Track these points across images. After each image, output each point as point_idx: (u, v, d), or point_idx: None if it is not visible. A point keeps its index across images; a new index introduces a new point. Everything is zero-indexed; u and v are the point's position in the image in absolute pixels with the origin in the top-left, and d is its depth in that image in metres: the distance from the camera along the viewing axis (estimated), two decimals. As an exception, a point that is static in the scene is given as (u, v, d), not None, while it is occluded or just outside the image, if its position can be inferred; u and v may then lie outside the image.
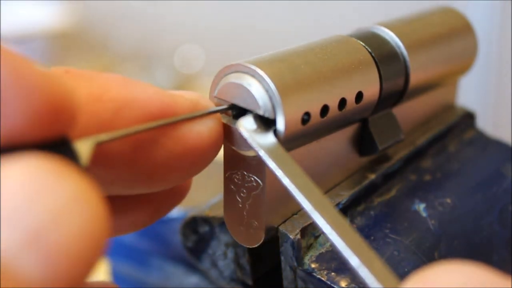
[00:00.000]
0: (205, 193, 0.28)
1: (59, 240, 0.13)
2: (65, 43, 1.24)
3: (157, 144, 0.19)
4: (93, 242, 0.13)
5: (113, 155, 0.18)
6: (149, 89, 0.19)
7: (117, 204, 0.21)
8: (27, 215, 0.13)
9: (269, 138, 0.20)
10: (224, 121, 0.21)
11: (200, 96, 0.20)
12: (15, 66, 0.14)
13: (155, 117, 0.18)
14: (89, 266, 0.13)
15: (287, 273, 0.22)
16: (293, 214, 0.22)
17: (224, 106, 0.21)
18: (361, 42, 0.24)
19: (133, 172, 0.19)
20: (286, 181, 0.19)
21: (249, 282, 0.25)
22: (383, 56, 0.24)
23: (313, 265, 0.21)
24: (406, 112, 0.27)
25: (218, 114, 0.20)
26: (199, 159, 0.20)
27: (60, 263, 0.13)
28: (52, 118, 0.14)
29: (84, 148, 0.16)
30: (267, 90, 0.20)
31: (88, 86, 0.18)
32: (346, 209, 0.23)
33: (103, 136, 0.17)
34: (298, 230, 0.22)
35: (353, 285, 0.21)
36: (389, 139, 0.25)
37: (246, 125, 0.20)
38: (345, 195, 0.24)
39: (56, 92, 0.14)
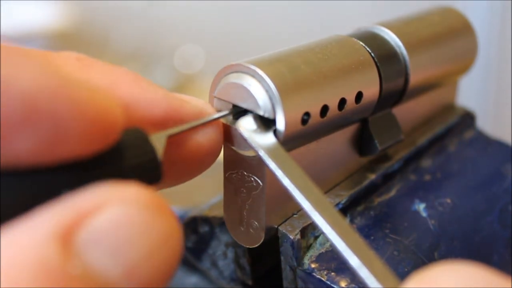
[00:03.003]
0: (205, 193, 0.28)
1: (151, 273, 0.14)
2: (65, 43, 1.24)
3: None
4: (173, 269, 0.15)
5: None
6: (158, 91, 0.19)
7: None
8: (128, 252, 0.14)
9: (269, 138, 0.20)
10: (224, 121, 0.21)
11: (205, 104, 0.20)
12: (75, 99, 0.14)
13: (160, 119, 0.18)
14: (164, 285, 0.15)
15: (287, 273, 0.22)
16: (293, 214, 0.22)
17: (226, 112, 0.21)
18: (361, 42, 0.24)
19: None
20: (286, 181, 0.19)
21: (249, 282, 0.25)
22: (383, 56, 0.24)
23: (313, 265, 0.21)
24: (406, 112, 0.27)
25: (220, 123, 0.20)
26: (196, 167, 0.20)
27: None
28: (101, 135, 0.15)
29: (158, 142, 0.17)
30: (267, 90, 0.20)
31: (98, 79, 0.18)
32: (346, 209, 0.23)
33: (173, 130, 0.18)
34: (298, 230, 0.22)
35: (353, 285, 0.21)
36: (389, 139, 0.25)
37: (246, 125, 0.20)
38: (345, 195, 0.24)
39: (104, 113, 0.15)
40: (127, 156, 0.16)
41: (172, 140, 0.19)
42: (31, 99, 0.13)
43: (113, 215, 0.14)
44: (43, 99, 0.14)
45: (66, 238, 0.13)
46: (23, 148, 0.14)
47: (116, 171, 0.16)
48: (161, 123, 0.18)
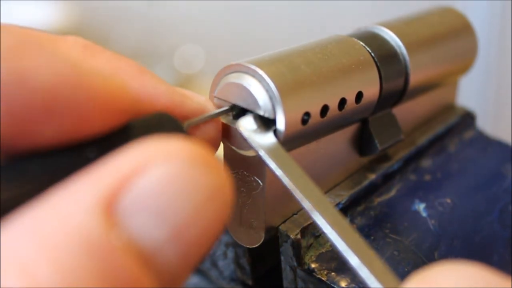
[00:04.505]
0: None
1: (198, 233, 0.13)
2: (65, 43, 1.24)
3: None
4: (222, 226, 0.14)
5: None
6: (161, 85, 0.18)
7: None
8: (174, 212, 0.13)
9: (269, 138, 0.20)
10: (224, 121, 0.21)
11: (207, 101, 0.20)
12: (89, 86, 0.14)
13: None
14: (210, 249, 0.14)
15: (287, 273, 0.22)
16: (293, 214, 0.22)
17: (225, 108, 0.21)
18: (361, 42, 0.24)
19: None
20: (286, 181, 0.19)
21: (249, 282, 0.25)
22: (383, 56, 0.24)
23: (313, 265, 0.21)
24: (406, 112, 0.27)
25: (219, 122, 0.20)
26: None
27: (195, 254, 0.13)
28: (113, 113, 0.15)
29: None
30: (267, 90, 0.20)
31: (104, 69, 0.17)
32: (346, 209, 0.23)
33: (192, 120, 0.19)
34: (298, 230, 0.22)
35: (353, 285, 0.21)
36: (389, 139, 0.25)
37: (246, 125, 0.20)
38: (345, 195, 0.24)
39: (115, 94, 0.15)
40: (156, 129, 0.16)
41: None
42: (51, 90, 0.14)
43: (158, 174, 0.13)
44: (61, 89, 0.14)
45: (110, 206, 0.13)
46: (47, 133, 0.14)
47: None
48: None
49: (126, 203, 0.13)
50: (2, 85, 0.13)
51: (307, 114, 0.21)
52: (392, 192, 0.25)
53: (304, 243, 0.22)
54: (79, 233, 0.12)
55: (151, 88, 0.18)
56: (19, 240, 0.12)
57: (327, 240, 0.21)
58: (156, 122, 0.17)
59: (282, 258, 0.22)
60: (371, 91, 0.23)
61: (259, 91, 0.20)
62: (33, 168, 0.14)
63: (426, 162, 0.27)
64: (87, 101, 0.14)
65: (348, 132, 0.24)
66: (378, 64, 0.23)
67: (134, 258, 0.13)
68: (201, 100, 0.20)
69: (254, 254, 0.24)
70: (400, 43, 0.25)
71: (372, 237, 0.23)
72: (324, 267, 0.21)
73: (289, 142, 0.20)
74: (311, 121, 0.21)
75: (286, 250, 0.22)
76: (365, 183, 0.24)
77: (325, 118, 0.21)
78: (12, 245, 0.12)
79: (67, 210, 0.13)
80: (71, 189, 0.13)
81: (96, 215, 0.13)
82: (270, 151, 0.19)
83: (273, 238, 0.22)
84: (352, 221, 0.23)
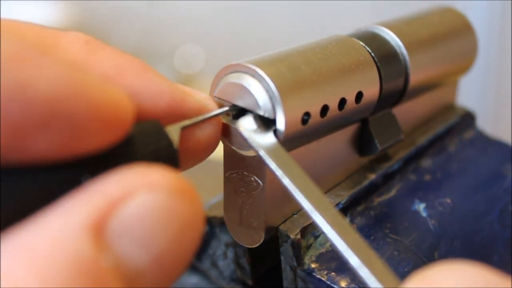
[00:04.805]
0: (205, 193, 0.28)
1: (176, 258, 0.14)
2: (65, 43, 1.24)
3: None
4: (193, 252, 0.15)
5: None
6: (163, 82, 0.18)
7: None
8: (156, 240, 0.14)
9: (269, 138, 0.20)
10: (224, 121, 0.21)
11: (208, 98, 0.20)
12: (90, 99, 0.14)
13: (163, 112, 0.18)
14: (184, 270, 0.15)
15: (287, 273, 0.22)
16: (293, 214, 0.22)
17: (225, 108, 0.21)
18: (361, 42, 0.24)
19: None
20: (286, 181, 0.19)
21: (249, 282, 0.25)
22: (383, 56, 0.24)
23: (313, 265, 0.21)
24: (406, 112, 0.27)
25: (219, 119, 0.20)
26: (191, 161, 0.20)
27: (172, 276, 0.14)
28: (115, 128, 0.15)
29: (173, 133, 0.17)
30: (267, 90, 0.20)
31: (104, 65, 0.17)
32: (346, 209, 0.23)
33: (186, 122, 0.19)
34: (298, 230, 0.22)
35: (353, 285, 0.21)
36: (389, 139, 0.25)
37: (246, 125, 0.20)
38: (345, 195, 0.24)
39: (117, 108, 0.15)
40: (145, 145, 0.16)
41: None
42: (51, 102, 0.13)
43: (143, 202, 0.14)
44: (62, 102, 0.14)
45: (99, 229, 0.13)
46: (43, 147, 0.14)
47: (135, 160, 0.16)
48: (163, 116, 0.18)
49: (113, 228, 0.14)
50: (1, 96, 0.13)
51: (307, 114, 0.21)
52: (392, 192, 0.25)
53: (304, 243, 0.22)
54: (70, 255, 0.13)
55: (154, 86, 0.18)
56: (10, 263, 0.12)
57: (327, 240, 0.21)
58: (149, 135, 0.17)
59: (282, 258, 0.22)
60: (371, 91, 0.23)
61: (259, 91, 0.20)
62: (26, 184, 0.14)
63: (426, 162, 0.27)
64: (86, 115, 0.14)
65: (348, 132, 0.24)
66: (378, 64, 0.23)
67: (121, 280, 0.13)
68: (202, 97, 0.20)
69: (254, 254, 0.24)
70: (400, 43, 0.25)
71: (372, 237, 0.23)
72: (324, 267, 0.21)
73: (289, 142, 0.20)
74: (311, 121, 0.21)
75: (286, 250, 0.22)
76: (365, 183, 0.24)
77: (325, 118, 0.21)
78: (3, 268, 0.12)
79: (58, 232, 0.13)
80: (62, 210, 0.13)
81: (85, 237, 0.13)
82: (270, 151, 0.19)
83: (273, 238, 0.22)
84: (352, 221, 0.23)
